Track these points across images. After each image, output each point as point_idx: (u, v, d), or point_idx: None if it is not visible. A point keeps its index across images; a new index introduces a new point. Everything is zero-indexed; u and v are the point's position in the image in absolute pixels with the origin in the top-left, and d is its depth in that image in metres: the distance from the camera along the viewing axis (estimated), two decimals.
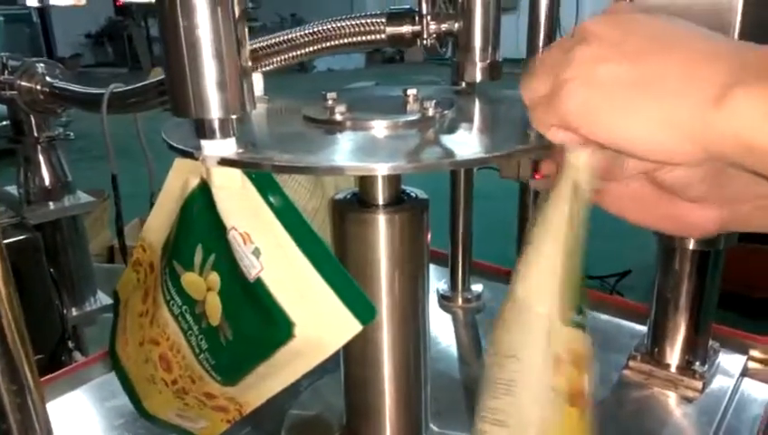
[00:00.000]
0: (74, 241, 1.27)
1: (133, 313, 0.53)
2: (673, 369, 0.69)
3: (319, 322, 0.40)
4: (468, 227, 0.85)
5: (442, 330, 0.83)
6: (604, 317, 0.84)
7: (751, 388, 0.70)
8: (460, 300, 0.88)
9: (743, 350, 0.73)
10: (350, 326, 0.40)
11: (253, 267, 0.40)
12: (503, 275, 0.93)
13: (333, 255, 0.42)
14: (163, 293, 0.48)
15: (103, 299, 1.30)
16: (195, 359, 0.47)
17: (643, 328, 0.75)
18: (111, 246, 2.15)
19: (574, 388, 0.41)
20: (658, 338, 0.70)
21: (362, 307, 0.40)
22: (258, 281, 0.41)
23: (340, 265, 0.41)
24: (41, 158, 1.20)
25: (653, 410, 0.66)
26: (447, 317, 0.86)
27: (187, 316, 0.46)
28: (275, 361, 0.42)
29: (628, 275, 2.33)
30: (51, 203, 1.21)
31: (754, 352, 0.73)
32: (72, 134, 1.24)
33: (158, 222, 0.49)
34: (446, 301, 0.89)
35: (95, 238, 2.00)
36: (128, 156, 1.23)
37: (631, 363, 0.71)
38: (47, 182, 1.21)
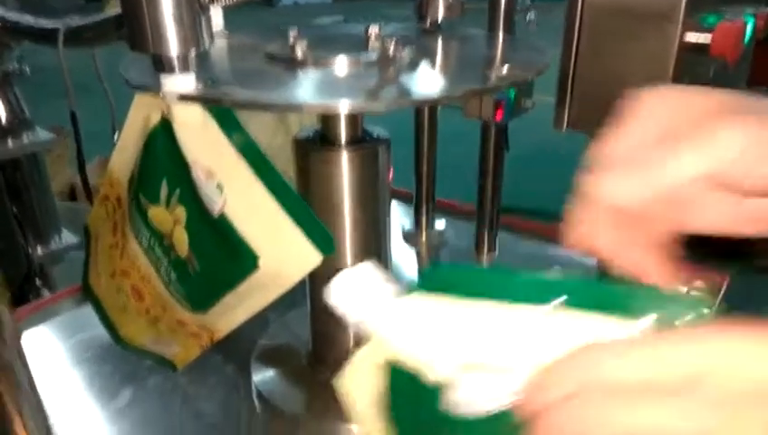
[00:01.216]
0: (36, 179, 1.24)
1: (104, 246, 0.54)
2: None
3: (281, 254, 0.42)
4: (432, 166, 0.87)
5: (406, 266, 0.86)
6: (558, 249, 0.88)
7: None
8: (423, 237, 0.91)
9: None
10: (312, 258, 0.42)
11: (216, 202, 0.42)
12: (465, 213, 0.96)
13: (293, 188, 0.44)
14: (132, 226, 0.49)
15: (68, 238, 1.29)
16: (165, 289, 0.49)
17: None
18: (72, 184, 2.11)
19: None
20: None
21: (323, 239, 0.41)
22: (222, 216, 0.42)
23: (301, 199, 0.42)
24: None
25: None
26: (411, 254, 0.89)
27: (156, 248, 0.48)
28: (241, 291, 0.44)
29: None
30: (9, 140, 1.18)
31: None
32: (27, 69, 1.19)
33: (123, 157, 0.49)
34: (409, 238, 0.91)
35: (56, 177, 1.96)
36: (86, 92, 1.20)
37: None
38: (4, 119, 1.18)
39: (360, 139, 0.53)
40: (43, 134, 1.20)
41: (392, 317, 0.27)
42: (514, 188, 0.97)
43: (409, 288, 0.27)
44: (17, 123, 1.19)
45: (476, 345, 0.25)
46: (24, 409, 0.35)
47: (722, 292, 0.77)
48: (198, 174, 0.42)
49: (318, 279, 0.53)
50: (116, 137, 0.51)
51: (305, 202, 0.43)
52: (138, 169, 0.47)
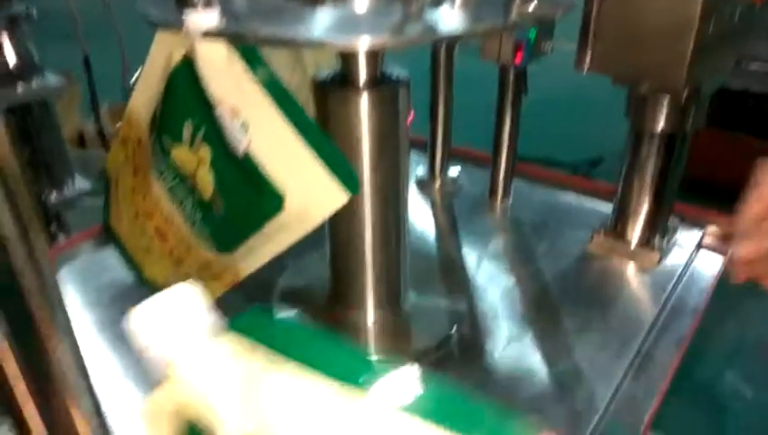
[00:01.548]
0: (47, 125, 1.24)
1: (124, 188, 0.54)
2: (633, 244, 0.74)
3: (307, 193, 0.42)
4: (448, 111, 0.86)
5: (419, 213, 0.86)
6: (571, 197, 0.88)
7: (704, 260, 0.76)
8: (437, 184, 0.91)
9: (700, 226, 0.79)
10: (337, 197, 0.42)
11: (240, 142, 0.42)
12: (479, 160, 0.96)
13: (319, 127, 0.43)
14: (155, 167, 0.49)
15: (81, 184, 1.29)
16: (189, 230, 0.49)
17: (609, 207, 0.79)
18: (81, 131, 2.11)
19: None
20: (622, 215, 0.74)
21: (348, 178, 0.41)
22: (247, 155, 0.42)
23: (326, 137, 0.42)
24: (4, 37, 1.14)
25: (612, 279, 0.72)
26: (425, 201, 0.89)
27: (180, 189, 0.48)
28: (266, 232, 0.45)
29: (599, 163, 2.38)
30: (19, 85, 1.17)
31: (711, 228, 0.79)
32: (34, 12, 1.17)
33: (144, 97, 0.49)
34: (423, 185, 0.91)
35: (65, 124, 1.95)
36: (94, 38, 1.18)
37: (595, 238, 0.76)
38: (12, 63, 1.16)
39: (379, 79, 0.53)
40: (53, 79, 1.19)
41: (196, 361, 0.24)
42: (530, 136, 0.96)
43: (222, 329, 0.25)
44: (26, 68, 1.18)
45: (268, 414, 0.23)
46: (65, 347, 0.36)
47: None
48: (223, 113, 0.41)
49: (337, 219, 0.53)
50: (132, 79, 0.51)
51: (330, 141, 0.42)
52: (160, 108, 0.47)
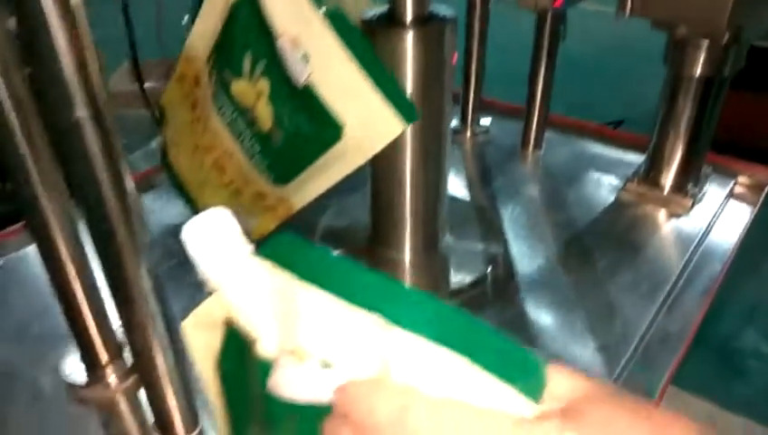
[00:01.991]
0: None
1: (182, 123, 0.56)
2: (666, 190, 0.75)
3: (365, 123, 0.44)
4: (481, 61, 0.87)
5: (452, 161, 0.87)
6: (602, 147, 0.89)
7: (734, 209, 0.77)
8: (469, 133, 0.92)
9: (731, 175, 0.80)
10: (395, 126, 0.43)
11: (302, 73, 0.43)
12: (511, 112, 0.97)
13: (378, 57, 0.44)
14: (214, 101, 0.50)
15: None
16: (248, 161, 0.51)
17: (640, 158, 0.80)
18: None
19: None
20: (656, 163, 0.75)
21: (406, 107, 0.43)
22: (307, 86, 0.43)
23: (385, 68, 0.43)
24: None
25: (643, 225, 0.74)
26: (457, 150, 0.91)
27: (239, 122, 0.49)
28: (324, 162, 0.46)
29: (620, 124, 2.37)
30: None
31: (742, 178, 0.80)
32: None
33: (203, 33, 0.50)
34: (455, 135, 0.93)
35: None
36: None
37: (628, 186, 0.77)
38: None
39: (426, 18, 0.54)
40: None
41: (237, 277, 0.25)
42: (561, 93, 0.96)
43: (262, 251, 0.25)
44: None
45: (306, 333, 0.24)
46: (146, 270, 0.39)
47: None
48: (284, 44, 0.43)
49: (380, 160, 0.55)
50: (184, 21, 0.52)
51: (389, 72, 0.43)
52: (220, 42, 0.48)
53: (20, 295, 0.65)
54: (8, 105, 0.39)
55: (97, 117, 0.33)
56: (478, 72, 0.88)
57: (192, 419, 0.47)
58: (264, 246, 0.25)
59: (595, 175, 0.83)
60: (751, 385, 1.52)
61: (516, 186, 0.82)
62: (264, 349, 0.25)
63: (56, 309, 0.49)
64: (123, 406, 0.51)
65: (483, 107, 0.93)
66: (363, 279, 0.23)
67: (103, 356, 0.51)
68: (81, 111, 0.32)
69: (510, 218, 0.76)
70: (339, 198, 0.72)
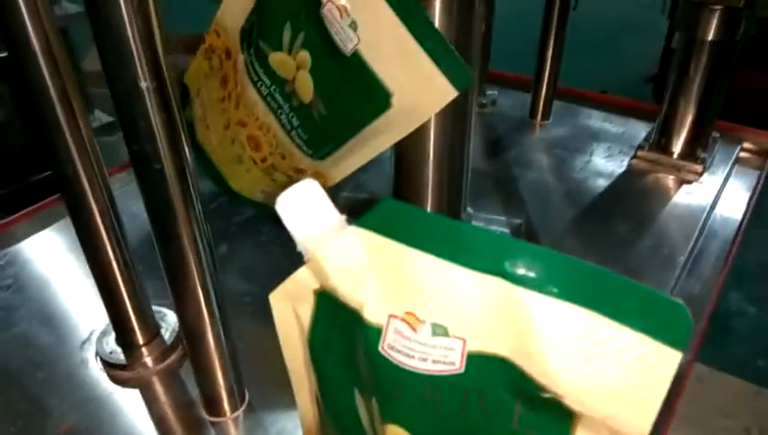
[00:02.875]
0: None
1: (211, 99, 0.54)
2: (676, 156, 0.76)
3: (416, 89, 0.42)
4: (489, 29, 0.86)
5: None
6: (610, 116, 0.90)
7: (741, 174, 0.78)
8: (475, 105, 0.92)
9: (737, 141, 0.81)
10: (448, 92, 0.42)
11: (350, 41, 0.42)
12: (517, 82, 0.96)
13: (429, 19, 0.43)
14: (249, 75, 0.49)
15: (102, 117, 1.28)
16: (286, 136, 0.50)
17: (647, 126, 0.81)
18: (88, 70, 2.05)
19: None
20: (667, 129, 0.76)
21: (459, 72, 0.42)
22: (354, 54, 0.42)
23: (437, 30, 0.42)
24: None
25: (657, 191, 0.75)
26: None
27: (277, 96, 0.48)
28: (369, 132, 0.45)
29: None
30: None
31: (747, 144, 0.81)
32: None
33: (236, 5, 0.48)
34: None
35: (84, 59, 1.90)
36: None
37: (639, 153, 0.78)
38: None
39: None
40: (71, 7, 1.16)
41: (338, 245, 0.24)
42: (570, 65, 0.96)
43: (365, 219, 0.24)
44: None
45: (419, 298, 0.23)
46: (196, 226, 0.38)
47: None
48: (330, 12, 0.42)
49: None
50: None
51: (442, 36, 0.42)
52: (255, 13, 0.47)
53: (44, 278, 0.63)
54: (47, 81, 0.38)
55: (160, 87, 0.32)
56: (485, 43, 0.87)
57: (240, 394, 0.47)
58: (367, 214, 0.25)
59: (604, 144, 0.84)
60: (737, 345, 1.57)
61: (527, 156, 0.82)
62: (371, 314, 0.24)
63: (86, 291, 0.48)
64: (162, 386, 0.51)
65: (488, 79, 0.93)
66: (477, 239, 0.22)
67: (141, 336, 0.51)
68: (145, 82, 0.31)
69: (524, 189, 0.76)
70: (358, 172, 0.71)
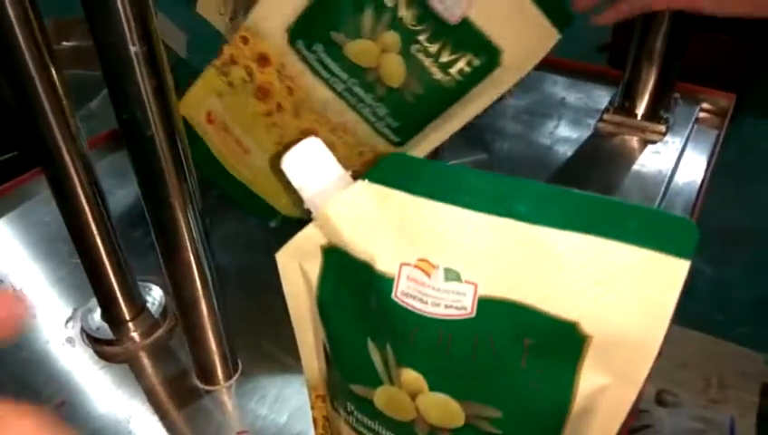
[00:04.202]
0: None
1: (246, 118, 0.50)
2: (640, 117, 0.79)
3: (523, 41, 0.42)
4: None
5: None
6: (574, 81, 0.92)
7: (701, 133, 0.82)
8: None
9: (696, 101, 0.84)
10: (551, 37, 0.42)
11: (457, 7, 0.41)
12: None
13: None
14: (316, 74, 0.46)
15: None
16: (369, 128, 0.48)
17: (611, 90, 0.84)
18: None
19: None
20: (630, 92, 0.79)
21: (561, 14, 0.42)
22: (463, 20, 0.41)
23: None
24: None
25: (623, 152, 0.77)
26: None
27: (356, 89, 0.46)
28: (476, 91, 0.45)
29: None
30: None
31: (705, 104, 0.84)
32: None
33: (278, 3, 0.45)
34: None
35: None
36: None
37: (605, 116, 0.81)
38: None
39: None
40: None
41: (345, 199, 0.25)
42: None
43: (373, 171, 0.25)
44: None
45: (431, 245, 0.24)
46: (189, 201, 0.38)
47: (729, 113, 0.84)
48: None
49: None
50: None
51: None
52: (318, 7, 0.44)
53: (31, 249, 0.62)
54: (27, 54, 0.37)
55: (149, 51, 0.31)
56: None
57: (233, 363, 0.48)
58: (373, 168, 0.25)
59: (571, 110, 0.86)
60: (696, 302, 1.65)
61: (496, 124, 0.84)
62: (383, 265, 0.25)
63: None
64: (151, 360, 0.51)
65: None
66: (484, 183, 0.23)
67: (127, 311, 0.50)
68: (134, 46, 0.31)
69: (495, 156, 0.78)
70: None
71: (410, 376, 0.26)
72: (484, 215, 0.23)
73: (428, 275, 0.24)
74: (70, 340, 0.52)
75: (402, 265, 0.24)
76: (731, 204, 1.77)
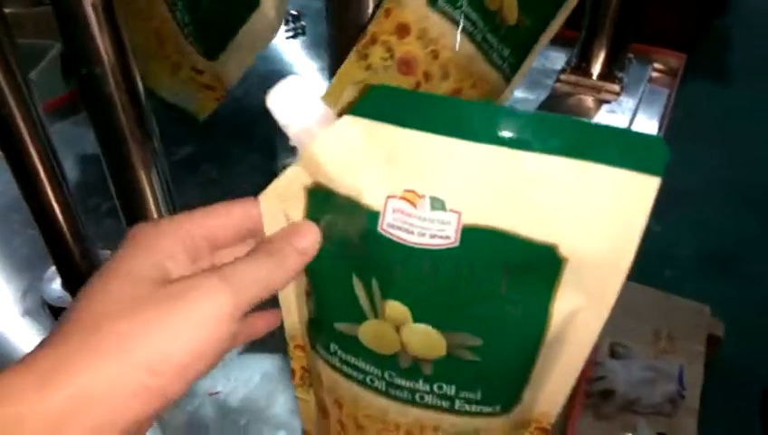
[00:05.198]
0: None
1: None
2: (596, 77, 0.81)
3: None
4: None
5: None
6: None
7: (654, 92, 0.84)
8: None
9: (649, 61, 0.86)
10: None
11: None
12: None
13: None
14: (462, 30, 0.47)
15: None
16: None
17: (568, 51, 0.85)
18: None
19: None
20: (586, 53, 0.80)
21: None
22: None
23: None
24: None
25: (579, 111, 0.79)
26: None
27: (489, 36, 0.48)
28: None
29: None
30: None
31: (657, 64, 0.87)
32: None
33: None
34: None
35: None
36: None
37: (561, 76, 0.82)
38: None
39: None
40: None
41: (330, 135, 0.25)
42: None
43: (357, 106, 0.24)
44: None
45: (416, 175, 0.24)
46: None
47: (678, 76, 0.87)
48: None
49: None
50: None
51: None
52: None
53: None
54: None
55: (108, 13, 0.30)
56: None
57: None
58: (358, 102, 0.25)
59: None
60: (645, 258, 1.71)
61: None
62: (370, 198, 0.25)
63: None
64: None
65: None
66: (468, 111, 0.23)
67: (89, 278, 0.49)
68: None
69: None
70: None
71: (395, 308, 0.26)
72: (469, 143, 0.23)
73: (414, 205, 0.24)
74: (28, 311, 0.51)
75: (389, 197, 0.25)
76: (678, 164, 1.83)
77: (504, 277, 0.25)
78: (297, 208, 0.27)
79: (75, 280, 0.49)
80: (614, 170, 0.22)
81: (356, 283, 0.27)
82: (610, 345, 1.31)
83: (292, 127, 0.25)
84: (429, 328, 0.27)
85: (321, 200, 0.26)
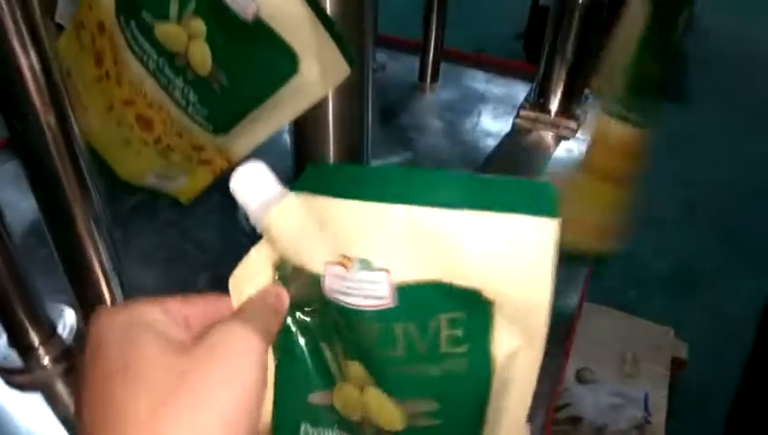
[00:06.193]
0: None
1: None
2: (554, 114, 0.82)
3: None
4: None
5: None
6: (496, 77, 0.94)
7: None
8: None
9: None
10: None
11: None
12: (402, 45, 0.98)
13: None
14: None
15: None
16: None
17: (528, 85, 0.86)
18: None
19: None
20: (544, 89, 0.81)
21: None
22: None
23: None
24: None
25: (538, 148, 0.80)
26: None
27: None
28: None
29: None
30: None
31: None
32: None
33: None
34: None
35: None
36: None
37: (521, 112, 0.83)
38: None
39: None
40: None
41: (278, 213, 0.27)
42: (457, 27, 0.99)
43: (298, 184, 0.26)
44: None
45: (347, 241, 0.25)
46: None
47: None
48: None
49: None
50: None
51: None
52: None
53: None
54: None
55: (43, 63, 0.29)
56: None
57: None
58: (298, 179, 0.27)
59: (491, 104, 0.88)
60: (611, 279, 1.74)
61: (420, 121, 0.84)
62: (314, 266, 0.26)
63: None
64: (67, 387, 0.48)
65: (378, 43, 0.93)
66: (390, 177, 0.25)
67: (35, 336, 0.47)
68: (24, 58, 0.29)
69: (419, 153, 0.79)
70: (255, 154, 0.70)
71: (355, 368, 0.28)
72: (387, 205, 0.24)
73: (347, 268, 0.26)
74: None
75: (327, 263, 0.26)
76: (640, 187, 1.87)
77: (441, 331, 0.26)
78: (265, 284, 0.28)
79: (21, 337, 0.47)
80: (514, 217, 0.24)
81: (324, 347, 0.29)
82: (577, 371, 1.32)
83: (251, 205, 0.27)
84: (386, 398, 0.28)
85: (285, 272, 0.28)
